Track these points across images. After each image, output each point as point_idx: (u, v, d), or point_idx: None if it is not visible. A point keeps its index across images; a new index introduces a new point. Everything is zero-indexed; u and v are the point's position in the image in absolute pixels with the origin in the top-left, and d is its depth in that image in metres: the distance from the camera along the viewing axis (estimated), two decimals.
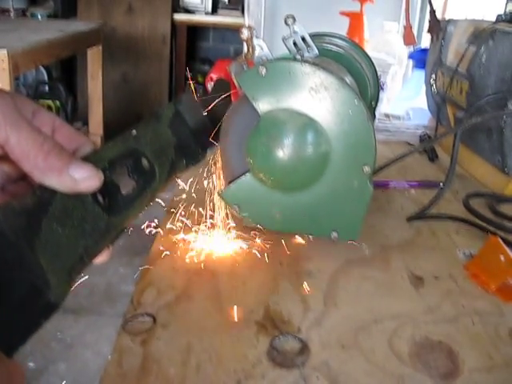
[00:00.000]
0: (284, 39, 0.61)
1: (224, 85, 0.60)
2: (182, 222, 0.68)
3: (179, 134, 0.44)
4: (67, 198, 0.32)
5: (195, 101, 0.49)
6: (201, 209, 0.69)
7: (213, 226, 0.67)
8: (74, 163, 0.32)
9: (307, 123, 0.58)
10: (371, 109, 0.89)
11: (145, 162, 0.39)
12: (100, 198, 0.34)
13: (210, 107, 0.52)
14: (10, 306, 0.28)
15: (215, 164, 0.66)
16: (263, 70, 0.57)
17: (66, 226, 0.32)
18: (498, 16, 0.96)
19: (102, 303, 1.79)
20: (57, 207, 0.31)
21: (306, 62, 0.57)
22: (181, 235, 0.66)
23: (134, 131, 0.39)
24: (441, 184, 0.77)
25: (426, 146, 1.04)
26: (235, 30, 3.09)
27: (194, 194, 0.70)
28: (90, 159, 0.34)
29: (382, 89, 1.37)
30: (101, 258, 0.36)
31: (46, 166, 0.31)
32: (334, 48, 0.84)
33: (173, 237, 0.66)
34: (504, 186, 0.86)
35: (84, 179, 0.32)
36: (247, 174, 0.61)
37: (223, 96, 0.56)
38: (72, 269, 0.32)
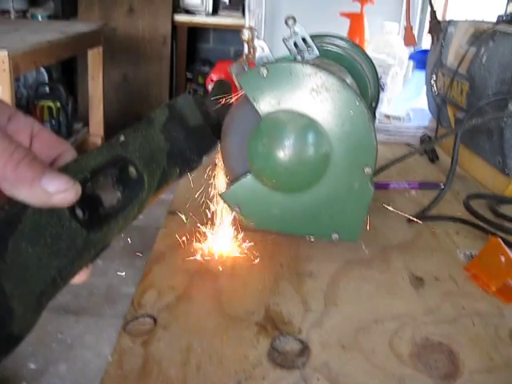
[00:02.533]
0: (284, 40, 0.61)
1: (224, 85, 0.59)
2: (184, 222, 0.68)
3: (173, 140, 0.41)
4: (40, 213, 0.29)
5: (194, 103, 0.46)
6: (202, 209, 0.69)
7: (214, 226, 0.67)
8: (48, 174, 0.29)
9: (308, 124, 0.58)
10: (371, 109, 0.89)
11: (132, 170, 0.36)
12: (79, 213, 0.31)
13: (209, 109, 0.50)
14: None
15: (217, 164, 0.66)
16: (264, 71, 0.57)
17: (37, 245, 0.29)
18: (499, 17, 0.96)
19: (102, 304, 1.79)
20: (27, 224, 0.28)
21: (306, 62, 0.57)
22: (182, 236, 0.66)
23: (122, 137, 0.37)
24: (441, 185, 0.77)
25: (427, 146, 1.04)
26: (236, 30, 3.09)
27: (194, 193, 0.70)
28: (69, 169, 0.31)
29: (383, 89, 1.37)
30: (78, 279, 0.33)
31: (16, 177, 0.28)
32: (335, 49, 0.84)
33: (174, 238, 0.66)
34: (504, 187, 0.86)
35: (58, 192, 0.29)
36: (248, 174, 0.61)
37: (223, 97, 0.56)
38: (42, 294, 0.29)
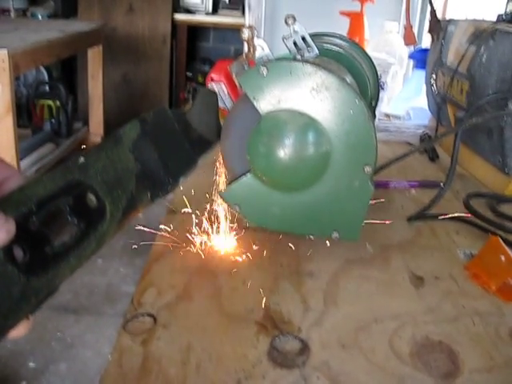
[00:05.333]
0: (284, 39, 0.61)
1: (208, 94, 0.53)
2: (184, 222, 0.68)
3: (144, 160, 0.37)
4: None
5: (171, 116, 0.41)
6: (202, 208, 0.69)
7: (214, 225, 0.67)
8: None
9: (308, 123, 0.58)
10: (371, 108, 0.89)
11: (92, 198, 0.32)
12: (18, 254, 0.27)
13: (191, 123, 0.45)
14: None
15: (217, 163, 0.66)
16: (264, 70, 0.57)
17: None
18: (499, 16, 0.96)
19: (102, 303, 1.79)
20: None
21: (306, 61, 0.57)
22: (182, 235, 0.66)
23: (82, 158, 0.32)
24: (441, 184, 0.77)
25: (427, 145, 1.04)
26: (236, 30, 3.09)
27: (194, 192, 0.70)
28: (10, 199, 0.27)
29: (383, 88, 1.36)
30: (16, 333, 0.28)
31: None
32: (335, 48, 0.84)
33: (173, 237, 0.66)
34: (504, 186, 0.86)
35: None
36: (248, 174, 0.61)
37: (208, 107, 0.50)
38: None
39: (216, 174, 0.67)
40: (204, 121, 0.49)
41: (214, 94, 0.54)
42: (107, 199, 0.33)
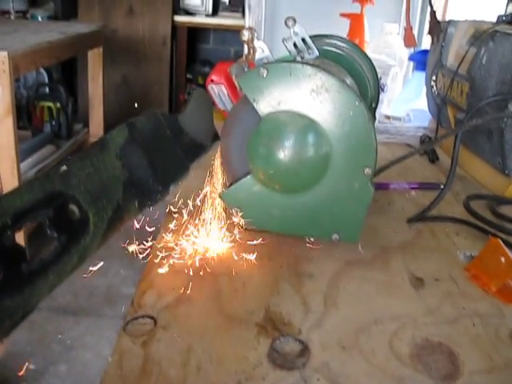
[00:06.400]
0: (284, 41, 0.61)
1: (202, 96, 0.51)
2: (183, 222, 0.68)
3: (132, 167, 0.35)
4: None
5: (162, 120, 0.39)
6: (202, 209, 0.69)
7: (214, 227, 0.67)
8: None
9: (308, 125, 0.58)
10: (371, 110, 0.89)
11: (73, 209, 0.30)
12: None
13: (184, 126, 0.43)
14: None
15: (216, 164, 0.66)
16: (264, 72, 0.57)
17: None
18: (499, 17, 0.96)
19: (102, 305, 1.79)
20: None
21: (306, 63, 0.57)
22: (182, 237, 0.66)
23: (64, 167, 0.30)
24: (441, 185, 0.77)
25: (427, 147, 1.04)
26: (236, 31, 3.09)
27: (194, 192, 0.70)
28: None
29: (383, 90, 1.37)
30: None
31: None
32: (335, 49, 0.84)
33: (174, 238, 0.66)
34: (504, 188, 0.86)
35: None
36: (248, 175, 0.61)
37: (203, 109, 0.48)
38: None
39: (216, 175, 0.66)
40: (197, 124, 0.47)
41: (207, 95, 0.52)
42: (91, 210, 0.31)
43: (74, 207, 0.30)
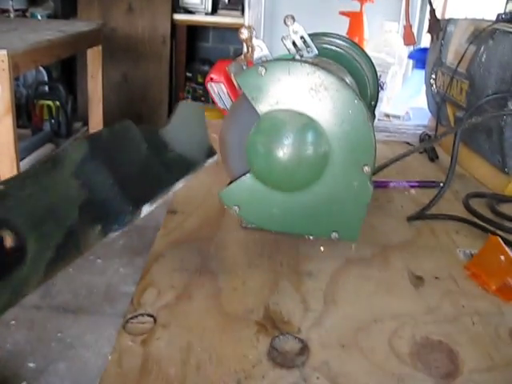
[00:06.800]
0: (283, 39, 0.61)
1: (190, 108, 0.48)
2: (184, 222, 0.68)
3: (94, 186, 0.30)
4: None
5: (139, 132, 0.35)
6: (201, 208, 0.69)
7: (213, 225, 0.67)
8: None
9: (307, 123, 0.58)
10: (371, 108, 0.89)
11: (7, 235, 0.25)
12: None
13: (168, 140, 0.38)
14: None
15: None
16: (263, 70, 0.57)
17: None
18: (498, 15, 0.96)
19: (102, 303, 1.79)
20: None
21: (305, 62, 0.57)
22: (181, 235, 0.66)
23: (1, 186, 0.26)
24: (441, 184, 0.77)
25: (426, 145, 1.04)
26: (235, 30, 3.08)
27: (194, 192, 0.70)
28: None
29: (382, 88, 1.36)
30: None
31: None
32: (334, 48, 0.84)
33: (173, 237, 0.66)
34: (504, 186, 0.86)
35: None
36: (247, 174, 0.61)
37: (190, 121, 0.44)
38: None
39: (216, 174, 0.67)
40: (186, 138, 0.43)
41: (199, 108, 0.47)
42: (31, 236, 0.26)
43: (7, 233, 0.25)
